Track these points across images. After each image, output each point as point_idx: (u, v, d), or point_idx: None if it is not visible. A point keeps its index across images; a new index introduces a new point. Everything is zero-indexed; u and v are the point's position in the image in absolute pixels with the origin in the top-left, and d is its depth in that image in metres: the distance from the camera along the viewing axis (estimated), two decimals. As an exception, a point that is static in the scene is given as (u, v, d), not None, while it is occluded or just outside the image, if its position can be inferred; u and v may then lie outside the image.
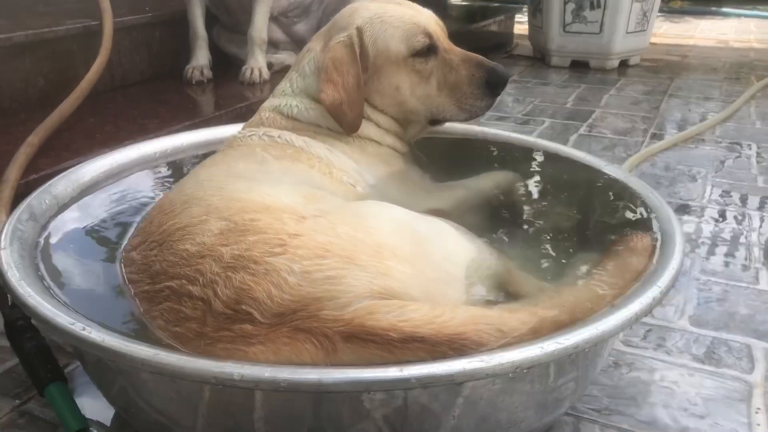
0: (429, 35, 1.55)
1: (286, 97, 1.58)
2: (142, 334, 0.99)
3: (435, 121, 1.64)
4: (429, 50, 1.55)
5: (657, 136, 3.09)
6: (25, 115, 2.24)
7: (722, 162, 2.74)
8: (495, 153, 1.83)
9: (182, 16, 2.83)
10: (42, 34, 2.31)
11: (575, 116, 3.41)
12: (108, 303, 1.10)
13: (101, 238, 1.30)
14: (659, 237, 1.24)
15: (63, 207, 1.37)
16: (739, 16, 6.86)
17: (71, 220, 1.35)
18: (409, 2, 1.63)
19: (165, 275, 1.01)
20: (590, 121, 3.33)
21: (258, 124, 1.56)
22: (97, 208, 1.41)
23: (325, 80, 1.47)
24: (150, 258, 1.06)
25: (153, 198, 1.46)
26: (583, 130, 3.19)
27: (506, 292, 1.12)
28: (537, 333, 0.96)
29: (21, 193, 1.66)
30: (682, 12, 7.13)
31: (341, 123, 1.49)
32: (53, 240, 1.25)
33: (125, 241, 1.24)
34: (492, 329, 0.93)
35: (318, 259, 0.95)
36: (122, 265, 1.14)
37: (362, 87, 1.51)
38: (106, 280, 1.15)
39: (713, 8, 7.10)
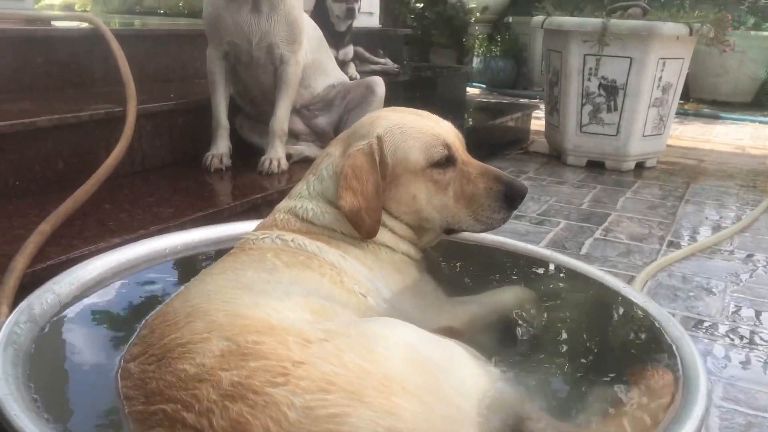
0: (448, 147, 1.55)
1: (302, 200, 1.57)
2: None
3: (450, 231, 1.62)
4: (447, 161, 1.55)
5: (674, 244, 3.04)
6: (42, 197, 2.24)
7: (740, 275, 2.68)
8: (510, 264, 1.79)
9: (205, 104, 2.88)
10: (66, 118, 2.34)
11: (591, 218, 3.38)
12: (100, 420, 1.04)
13: (102, 342, 1.26)
14: (681, 374, 1.18)
15: (64, 306, 1.34)
16: (753, 122, 6.93)
17: (72, 321, 1.31)
18: (429, 113, 1.65)
19: (161, 396, 0.96)
20: (606, 224, 3.30)
21: (272, 225, 1.54)
22: (100, 309, 1.38)
23: (344, 187, 1.46)
24: (147, 374, 1.02)
25: (159, 298, 1.43)
26: (598, 233, 3.16)
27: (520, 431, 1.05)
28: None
29: (27, 283, 1.64)
30: (697, 115, 7.22)
31: (359, 229, 1.47)
32: (51, 344, 1.21)
33: (126, 348, 1.20)
34: (503, 480, 0.86)
35: (322, 393, 0.90)
36: (119, 376, 1.10)
37: (381, 194, 1.50)
38: (101, 393, 1.10)
39: (726, 114, 7.19)
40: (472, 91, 8.07)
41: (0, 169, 2.18)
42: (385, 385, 0.93)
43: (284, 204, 1.60)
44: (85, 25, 3.13)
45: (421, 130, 1.56)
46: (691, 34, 4.13)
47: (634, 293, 1.52)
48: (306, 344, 0.98)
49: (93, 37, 2.99)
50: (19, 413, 0.93)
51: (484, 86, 8.67)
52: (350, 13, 3.83)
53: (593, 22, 4.14)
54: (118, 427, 0.99)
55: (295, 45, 2.81)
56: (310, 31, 3.02)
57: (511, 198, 1.56)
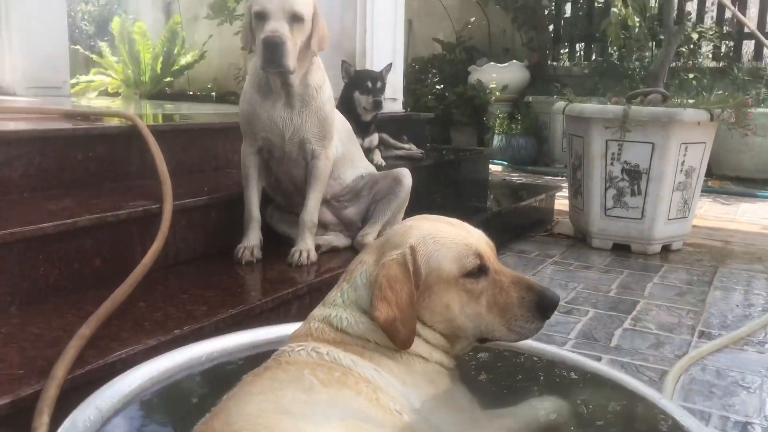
0: (480, 256, 1.59)
1: (336, 308, 1.60)
2: None
3: (484, 340, 1.64)
4: (480, 271, 1.58)
5: (705, 335, 3.01)
6: (78, 296, 2.30)
7: (777, 370, 2.64)
8: (542, 370, 1.79)
9: (237, 197, 2.96)
10: (105, 217, 2.42)
11: (619, 306, 3.36)
12: None
13: (142, 460, 1.27)
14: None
15: (106, 421, 1.36)
16: (779, 199, 6.90)
17: (115, 438, 1.34)
18: (460, 222, 1.69)
19: None
20: (635, 313, 3.28)
21: (306, 335, 1.57)
22: (141, 423, 1.40)
23: (379, 297, 1.49)
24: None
25: (200, 411, 1.44)
26: (627, 323, 3.13)
27: None
28: None
29: (66, 389, 1.67)
30: (720, 192, 7.22)
31: (394, 340, 1.50)
32: (94, 464, 1.23)
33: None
34: None
35: None
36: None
37: (415, 304, 1.53)
38: None
39: (753, 191, 7.18)
40: (494, 168, 8.17)
41: (41, 268, 2.25)
42: None
43: (318, 312, 1.64)
44: (123, 121, 3.26)
45: (453, 240, 1.60)
46: (711, 119, 4.19)
47: (672, 407, 1.51)
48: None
49: (130, 133, 3.12)
50: None
51: (505, 163, 8.77)
52: (377, 105, 3.96)
53: (614, 109, 4.23)
54: None
55: (325, 140, 2.91)
56: (340, 126, 3.12)
57: (544, 308, 1.58)
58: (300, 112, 2.82)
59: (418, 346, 1.56)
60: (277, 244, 3.07)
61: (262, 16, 2.62)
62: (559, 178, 7.76)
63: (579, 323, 3.11)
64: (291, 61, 2.61)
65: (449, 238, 1.60)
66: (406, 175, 3.21)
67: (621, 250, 4.48)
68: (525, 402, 1.58)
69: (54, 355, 1.78)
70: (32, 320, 2.09)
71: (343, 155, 3.09)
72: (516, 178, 7.78)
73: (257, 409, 1.23)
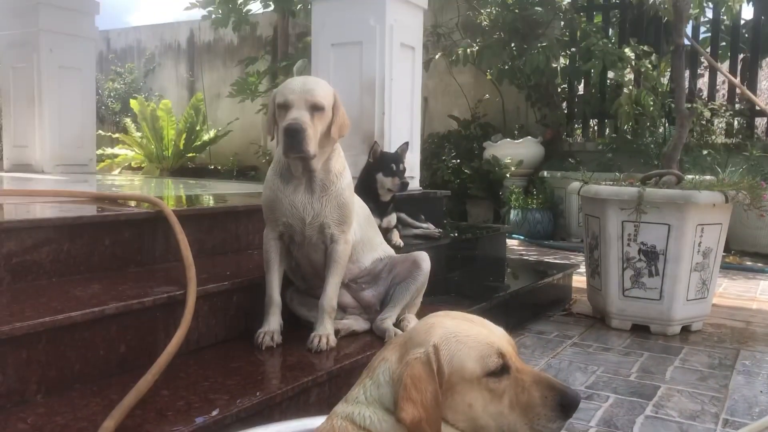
0: (502, 355, 1.61)
1: (359, 406, 1.62)
2: None
3: (505, 439, 1.63)
4: (502, 370, 1.60)
5: (729, 423, 2.96)
6: (103, 382, 2.34)
7: (804, 463, 2.58)
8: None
9: (259, 281, 3.01)
10: (131, 305, 2.48)
11: (640, 392, 3.33)
12: None
13: None
14: None
15: None
16: (800, 276, 6.85)
17: None
18: (483, 320, 1.72)
19: None
20: (656, 399, 3.24)
21: (329, 432, 1.58)
22: None
23: (404, 398, 1.51)
24: None
25: None
26: (649, 410, 3.10)
27: None
28: None
29: (90, 485, 1.69)
30: (738, 269, 7.18)
31: None
32: None
33: None
34: None
35: None
36: None
37: (440, 404, 1.54)
38: None
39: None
40: (510, 242, 8.21)
41: (68, 355, 2.30)
42: None
43: (341, 409, 1.65)
44: (148, 206, 3.36)
45: (476, 338, 1.62)
46: (726, 201, 4.23)
47: None
48: None
49: (156, 217, 3.21)
50: None
51: (522, 237, 8.81)
52: (404, 187, 4.03)
53: (629, 191, 4.28)
54: None
55: (344, 225, 2.98)
56: (359, 210, 3.19)
57: (566, 407, 1.59)
58: (320, 197, 2.90)
59: (442, 444, 1.57)
60: (297, 327, 3.10)
61: (285, 107, 2.75)
62: (576, 253, 7.76)
63: (600, 410, 3.07)
64: (311, 146, 2.72)
65: (472, 336, 1.63)
66: (424, 259, 3.26)
67: (640, 330, 4.45)
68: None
69: (80, 450, 1.81)
70: (58, 410, 2.11)
71: (361, 239, 3.15)
72: (533, 253, 7.80)
73: None
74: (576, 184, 4.76)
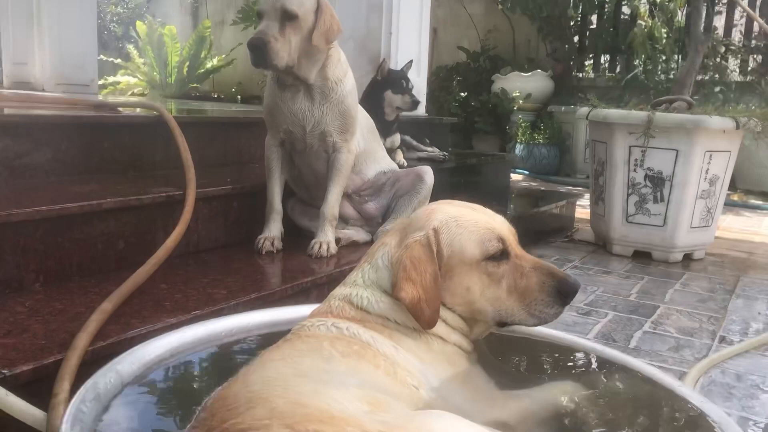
0: (502, 240, 1.59)
1: (357, 288, 1.61)
2: None
3: (502, 323, 1.63)
4: (501, 255, 1.58)
5: (726, 340, 2.97)
6: (101, 276, 2.34)
7: (799, 376, 2.59)
8: (559, 357, 1.78)
9: (260, 188, 2.99)
10: (129, 201, 2.46)
11: (639, 310, 3.33)
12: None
13: (161, 423, 1.28)
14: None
15: (126, 386, 1.38)
16: (805, 214, 6.81)
17: (133, 401, 1.35)
18: (482, 207, 1.70)
19: (222, 482, 0.98)
20: (654, 317, 3.24)
21: (327, 312, 1.58)
22: (160, 389, 1.42)
23: (404, 278, 1.50)
24: (208, 458, 1.04)
25: (217, 381, 1.46)
26: (647, 326, 3.10)
27: None
28: None
29: (87, 360, 1.69)
30: (743, 206, 7.13)
31: (419, 319, 1.50)
32: (114, 424, 1.24)
33: (185, 430, 1.23)
34: None
35: (381, 484, 0.90)
36: (179, 460, 1.12)
37: (439, 285, 1.53)
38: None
39: (776, 205, 7.09)
40: (515, 177, 8.15)
41: (66, 247, 2.29)
42: (443, 482, 0.93)
43: (339, 291, 1.65)
44: (149, 112, 3.31)
45: (476, 223, 1.60)
46: (737, 127, 4.15)
47: (691, 393, 1.49)
48: (365, 436, 1.00)
49: (156, 123, 3.16)
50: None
51: (527, 172, 8.75)
52: (414, 106, 3.96)
53: (638, 114, 4.20)
54: None
55: (347, 134, 2.93)
56: (363, 121, 3.14)
57: (564, 293, 1.58)
58: (320, 104, 2.83)
59: (437, 327, 1.56)
60: (298, 237, 3.09)
61: (259, 15, 2.65)
62: (581, 189, 7.71)
63: (598, 324, 3.08)
64: (280, 59, 2.61)
65: (472, 221, 1.61)
66: (428, 173, 3.22)
67: (642, 257, 4.44)
68: (542, 385, 1.57)
69: (76, 328, 1.81)
70: (56, 297, 2.12)
71: (365, 150, 3.11)
72: (537, 186, 7.75)
73: (275, 372, 1.24)
74: (585, 109, 4.67)
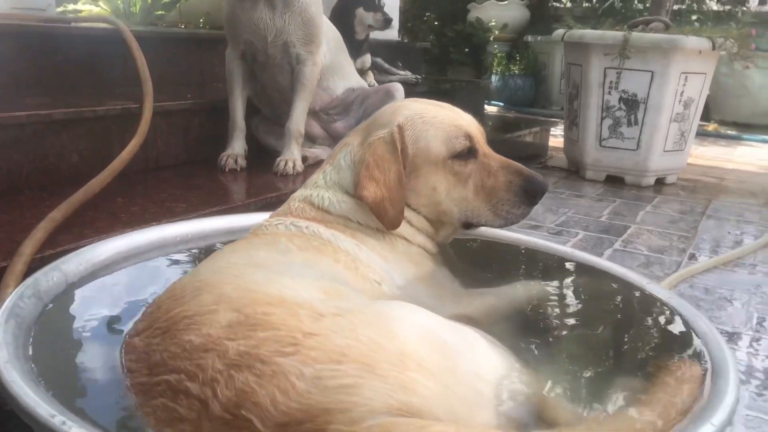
0: (470, 138, 1.52)
1: (318, 189, 1.53)
2: (134, 432, 0.89)
3: (469, 225, 1.57)
4: (468, 153, 1.51)
5: (695, 257, 2.97)
6: (55, 189, 2.23)
7: (764, 288, 2.60)
8: (529, 261, 1.74)
9: (222, 105, 2.87)
10: (82, 112, 2.34)
11: (610, 230, 3.32)
12: (101, 392, 1.00)
13: (107, 321, 1.22)
14: (709, 366, 1.12)
15: (72, 286, 1.31)
16: (777, 143, 6.84)
17: (78, 300, 1.28)
18: (450, 105, 1.61)
19: (164, 367, 0.92)
20: (625, 236, 3.23)
21: (286, 213, 1.51)
22: (107, 290, 1.35)
23: (366, 176, 1.42)
24: (152, 346, 0.98)
25: (168, 283, 1.39)
26: (618, 245, 3.09)
27: (540, 417, 1.00)
28: (575, 469, 0.84)
29: (35, 268, 1.60)
30: (717, 136, 7.14)
31: (383, 219, 1.43)
32: (55, 320, 1.17)
33: (131, 325, 1.16)
34: (524, 461, 0.81)
35: (333, 364, 0.85)
36: (123, 351, 1.06)
37: (404, 184, 1.46)
38: (104, 368, 1.06)
39: (748, 136, 7.10)
40: (489, 108, 8.04)
41: (16, 159, 2.17)
42: (400, 360, 0.88)
43: (299, 193, 1.57)
44: (105, 26, 3.14)
45: (443, 120, 1.52)
46: (714, 48, 4.07)
47: (658, 289, 1.47)
48: (318, 317, 0.94)
49: (112, 38, 2.99)
50: (17, 380, 0.89)
51: (502, 104, 8.64)
52: (387, 24, 3.82)
53: (614, 35, 4.10)
54: (119, 399, 0.95)
55: (312, 45, 2.80)
56: (329, 33, 3.00)
57: (531, 193, 1.51)
58: (282, 13, 2.69)
59: (401, 227, 1.50)
60: (263, 156, 2.99)
61: None
62: (556, 120, 7.65)
63: (568, 243, 3.06)
64: None
65: (439, 118, 1.53)
66: (399, 90, 3.12)
67: (614, 182, 4.42)
68: (508, 284, 1.53)
69: (25, 239, 1.71)
70: (4, 208, 2.02)
71: (332, 64, 2.99)
72: (512, 116, 7.67)
73: (226, 262, 1.17)
74: (560, 31, 4.56)
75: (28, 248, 1.62)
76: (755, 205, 4.04)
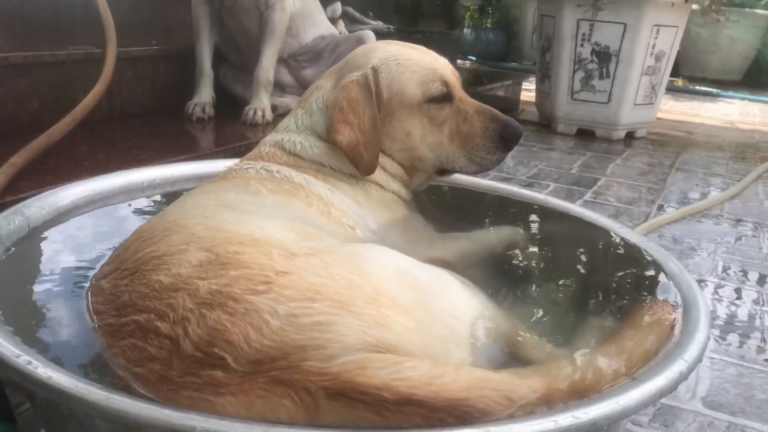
0: (445, 82, 1.48)
1: (289, 133, 1.48)
2: (102, 374, 0.86)
3: (443, 171, 1.55)
4: (444, 98, 1.48)
5: (663, 209, 3.01)
6: (15, 137, 2.14)
7: (731, 238, 2.66)
8: (503, 208, 1.73)
9: (189, 52, 2.78)
10: (42, 56, 2.24)
11: (580, 182, 3.34)
12: (69, 336, 0.97)
13: (72, 266, 1.18)
14: (681, 306, 1.13)
15: (34, 230, 1.26)
16: (743, 99, 6.92)
17: (42, 244, 1.24)
18: (425, 48, 1.57)
19: (132, 308, 0.90)
20: (595, 188, 3.26)
21: (257, 157, 1.46)
22: (72, 235, 1.30)
23: (340, 120, 1.38)
24: (119, 288, 0.95)
25: (134, 227, 1.35)
26: (588, 196, 3.12)
27: (513, 356, 1.00)
28: (549, 404, 0.84)
29: (-5, 215, 1.56)
30: (686, 91, 7.19)
31: (357, 164, 1.40)
32: (18, 264, 1.13)
33: (97, 268, 1.13)
34: (499, 396, 0.81)
35: (306, 302, 0.83)
36: (90, 294, 1.03)
37: (378, 128, 1.43)
38: (70, 311, 1.03)
39: (716, 91, 7.17)
40: (461, 63, 7.97)
41: (-29, 105, 2.09)
42: (375, 298, 0.87)
43: (270, 138, 1.52)
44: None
45: (418, 63, 1.48)
46: (686, 1, 4.06)
47: (630, 233, 1.47)
48: (291, 256, 0.91)
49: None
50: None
51: (473, 59, 8.57)
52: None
53: (588, -15, 4.06)
54: (86, 341, 0.92)
55: (281, -10, 2.72)
56: (297, -24, 2.92)
57: (507, 138, 1.49)
58: None
59: (375, 174, 1.47)
60: (232, 106, 2.92)
61: None
62: (527, 75, 7.62)
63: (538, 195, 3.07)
64: None
65: (414, 61, 1.49)
66: (370, 38, 3.05)
67: (585, 135, 4.44)
68: (481, 229, 1.52)
69: (-17, 186, 1.66)
70: (-39, 157, 1.94)
71: (301, 10, 2.91)
72: (483, 67, 7.62)
73: (195, 203, 1.14)
74: (533, -19, 4.49)
75: (-13, 194, 1.56)
76: (722, 159, 4.10)
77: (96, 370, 0.87)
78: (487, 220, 1.68)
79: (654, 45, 4.16)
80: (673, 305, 1.14)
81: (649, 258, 1.34)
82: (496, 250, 1.46)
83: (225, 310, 0.82)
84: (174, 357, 0.81)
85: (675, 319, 1.09)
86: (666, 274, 1.26)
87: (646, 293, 1.23)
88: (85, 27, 2.91)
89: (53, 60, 2.28)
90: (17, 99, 2.21)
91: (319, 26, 3.06)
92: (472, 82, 5.14)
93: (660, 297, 1.18)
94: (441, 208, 1.68)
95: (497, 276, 1.34)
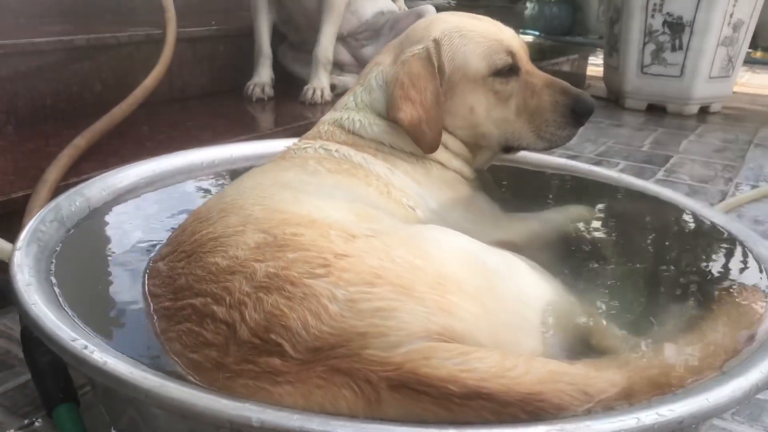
0: (512, 54, 1.40)
1: (348, 111, 1.44)
2: (158, 360, 0.84)
3: (509, 149, 1.47)
4: (510, 70, 1.40)
5: (741, 187, 2.84)
6: (78, 119, 2.18)
7: (820, 220, 2.48)
8: (573, 187, 1.65)
9: (248, 32, 2.77)
10: (104, 39, 2.26)
11: (652, 160, 3.18)
12: (126, 319, 0.96)
13: (131, 247, 1.17)
14: (774, 293, 1.03)
15: (95, 212, 1.26)
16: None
17: (102, 225, 1.24)
18: (490, 18, 1.49)
19: (189, 291, 0.87)
20: (668, 166, 3.10)
21: (315, 136, 1.42)
22: (132, 216, 1.30)
23: (402, 97, 1.32)
24: (176, 270, 0.93)
25: (193, 207, 1.33)
26: (660, 174, 2.97)
27: (588, 346, 0.93)
28: (629, 399, 0.77)
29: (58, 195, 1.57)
30: (765, 63, 6.81)
31: (420, 142, 1.34)
32: (78, 246, 1.13)
33: (155, 250, 1.12)
34: (575, 390, 0.75)
35: (367, 287, 0.79)
36: (147, 276, 1.01)
37: (441, 104, 1.36)
38: (128, 293, 1.02)
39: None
40: (524, 38, 7.76)
41: (38, 88, 2.12)
42: (439, 283, 0.82)
43: (329, 116, 1.48)
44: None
45: (483, 34, 1.40)
46: (768, -35, 3.81)
47: (714, 213, 1.37)
48: (351, 238, 0.87)
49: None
50: (38, 302, 0.85)
51: (537, 33, 8.33)
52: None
53: (660, -48, 3.86)
54: (143, 324, 0.90)
55: (340, -33, 2.66)
56: (357, -46, 2.86)
57: (579, 113, 1.40)
58: None
59: (436, 152, 1.41)
60: (291, 85, 2.89)
61: None
62: (594, 49, 7.36)
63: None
64: None
65: (478, 32, 1.41)
66: (431, 12, 2.96)
67: (656, 111, 4.24)
68: (550, 209, 1.45)
69: (48, 166, 1.68)
70: (29, 138, 1.98)
71: (361, -14, 2.85)
72: (549, 41, 7.39)
73: (253, 183, 1.10)
74: (601, -50, 4.29)
75: (52, 174, 1.58)
76: (806, 134, 3.84)
77: (152, 355, 0.84)
78: (556, 200, 1.60)
79: (732, 14, 3.91)
80: (764, 292, 1.04)
81: (736, 240, 1.23)
82: (567, 231, 1.38)
83: (282, 295, 0.79)
84: (231, 343, 0.78)
85: (767, 306, 1.00)
86: (755, 258, 1.16)
87: (733, 279, 1.13)
88: (146, 8, 2.94)
89: (115, 42, 2.30)
90: (81, 81, 2.24)
91: (378, 2, 2.99)
92: (537, 58, 4.97)
93: (749, 283, 1.09)
94: (505, 186, 1.60)
95: (569, 258, 1.26)
